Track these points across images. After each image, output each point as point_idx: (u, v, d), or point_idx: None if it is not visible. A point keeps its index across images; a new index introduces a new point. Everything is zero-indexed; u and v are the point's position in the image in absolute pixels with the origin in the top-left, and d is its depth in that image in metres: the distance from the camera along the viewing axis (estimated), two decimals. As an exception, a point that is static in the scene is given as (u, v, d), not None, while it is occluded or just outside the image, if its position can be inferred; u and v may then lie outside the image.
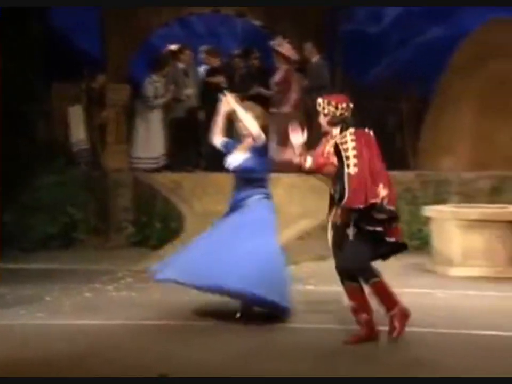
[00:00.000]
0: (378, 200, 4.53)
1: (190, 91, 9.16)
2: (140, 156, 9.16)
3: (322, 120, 4.77)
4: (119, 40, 9.60)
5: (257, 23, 10.29)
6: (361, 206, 4.54)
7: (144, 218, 8.53)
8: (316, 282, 6.41)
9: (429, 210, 7.27)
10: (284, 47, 8.75)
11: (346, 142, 4.63)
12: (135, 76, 9.74)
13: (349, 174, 4.56)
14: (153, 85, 9.07)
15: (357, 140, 4.63)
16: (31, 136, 9.16)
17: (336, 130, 4.74)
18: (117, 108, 9.57)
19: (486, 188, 8.31)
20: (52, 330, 4.93)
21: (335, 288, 6.16)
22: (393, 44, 12.52)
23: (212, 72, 9.25)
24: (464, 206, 7.59)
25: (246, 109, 5.19)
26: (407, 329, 4.70)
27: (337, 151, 4.66)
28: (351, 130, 4.69)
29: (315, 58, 8.97)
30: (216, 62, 9.24)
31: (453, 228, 6.80)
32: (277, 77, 8.83)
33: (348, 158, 4.59)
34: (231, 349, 4.51)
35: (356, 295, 4.67)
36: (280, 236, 7.36)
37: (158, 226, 8.31)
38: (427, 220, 7.43)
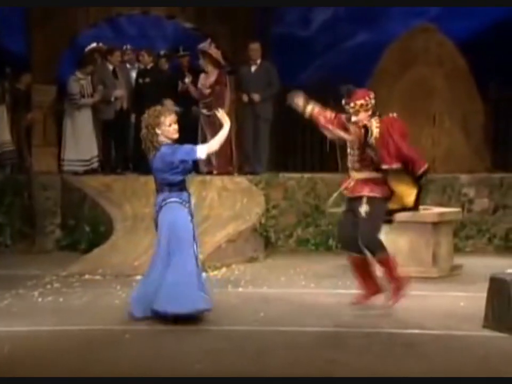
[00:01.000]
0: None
1: (119, 92, 9.06)
2: (69, 158, 8.98)
3: (364, 116, 5.24)
4: (45, 40, 9.39)
5: (187, 25, 10.27)
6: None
7: (73, 222, 8.38)
8: (246, 284, 6.45)
9: (357, 212, 7.40)
10: (212, 50, 8.76)
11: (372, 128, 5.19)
12: (63, 77, 9.54)
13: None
14: (79, 82, 8.92)
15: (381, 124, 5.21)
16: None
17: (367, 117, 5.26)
18: (43, 109, 9.37)
19: (411, 190, 8.54)
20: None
21: (265, 290, 6.25)
22: (322, 47, 12.74)
23: (142, 73, 9.17)
24: (390, 207, 7.77)
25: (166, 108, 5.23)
26: (332, 329, 4.93)
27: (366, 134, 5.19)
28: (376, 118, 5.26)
29: (259, 60, 9.00)
30: (149, 62, 9.17)
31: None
32: (210, 79, 8.80)
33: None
34: (157, 352, 4.48)
35: (360, 266, 5.37)
36: (212, 238, 7.42)
37: (87, 229, 8.18)
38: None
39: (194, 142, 7.88)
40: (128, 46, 9.50)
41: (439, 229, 6.94)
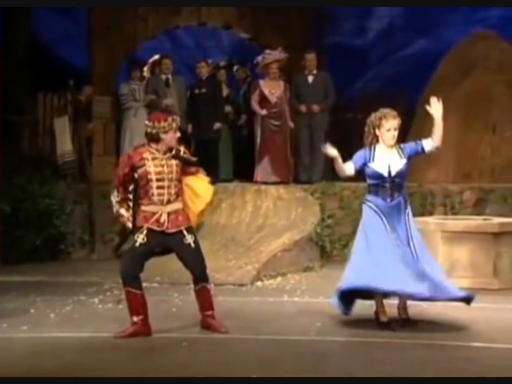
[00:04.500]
0: None
1: (169, 101, 9.15)
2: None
3: (173, 137, 4.97)
4: (106, 53, 9.62)
5: (243, 35, 10.35)
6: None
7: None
8: (302, 294, 6.42)
9: (414, 222, 7.30)
10: (284, 57, 8.76)
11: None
12: (121, 88, 9.72)
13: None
14: (130, 86, 9.11)
15: None
16: (17, 147, 9.14)
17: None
18: (103, 119, 9.58)
19: (470, 200, 8.39)
20: (36, 343, 4.90)
21: (320, 299, 6.21)
22: (378, 56, 12.63)
23: (198, 83, 9.27)
24: (449, 218, 7.64)
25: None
26: (391, 340, 4.84)
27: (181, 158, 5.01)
28: None
29: (315, 70, 8.99)
30: (206, 73, 9.25)
31: (438, 239, 6.85)
32: (278, 91, 8.80)
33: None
34: (213, 361, 4.50)
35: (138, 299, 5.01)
36: (267, 248, 7.43)
37: (144, 238, 8.27)
38: (412, 232, 7.46)
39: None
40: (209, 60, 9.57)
41: (500, 239, 6.78)
